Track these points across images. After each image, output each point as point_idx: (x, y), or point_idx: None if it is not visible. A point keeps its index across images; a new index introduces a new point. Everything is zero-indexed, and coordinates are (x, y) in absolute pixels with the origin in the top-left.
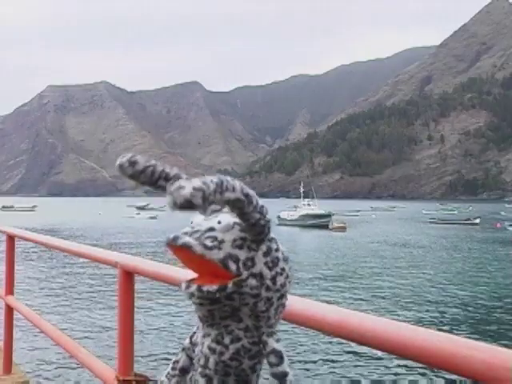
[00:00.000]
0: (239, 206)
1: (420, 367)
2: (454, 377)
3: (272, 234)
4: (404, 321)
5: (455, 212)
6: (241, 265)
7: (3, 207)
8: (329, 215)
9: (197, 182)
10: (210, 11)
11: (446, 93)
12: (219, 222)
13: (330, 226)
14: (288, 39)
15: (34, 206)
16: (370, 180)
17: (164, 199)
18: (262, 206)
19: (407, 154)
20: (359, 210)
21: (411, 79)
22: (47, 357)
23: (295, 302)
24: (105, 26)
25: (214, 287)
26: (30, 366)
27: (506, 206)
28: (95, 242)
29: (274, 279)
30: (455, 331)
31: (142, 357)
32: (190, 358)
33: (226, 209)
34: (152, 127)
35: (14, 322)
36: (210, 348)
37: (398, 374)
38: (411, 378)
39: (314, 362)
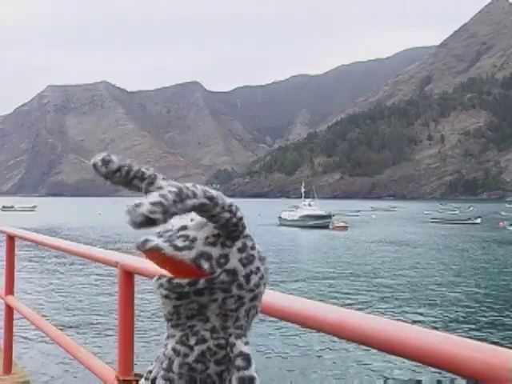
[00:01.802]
0: (205, 210)
1: (420, 367)
2: (454, 377)
3: (247, 231)
4: (405, 321)
5: (456, 212)
6: (214, 262)
7: (3, 207)
8: (329, 216)
9: (154, 197)
10: (209, 11)
11: (446, 93)
12: (192, 220)
13: (331, 227)
14: (288, 39)
15: (34, 206)
16: (369, 180)
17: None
18: (231, 205)
19: (407, 154)
20: (359, 210)
21: (411, 79)
22: (47, 357)
23: (295, 302)
24: (105, 26)
25: (184, 281)
26: (30, 366)
27: (507, 205)
28: (95, 242)
29: (247, 277)
30: (455, 331)
31: (142, 357)
32: None
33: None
34: (152, 127)
35: (14, 322)
36: (174, 349)
37: (398, 374)
38: (411, 378)
39: (316, 362)
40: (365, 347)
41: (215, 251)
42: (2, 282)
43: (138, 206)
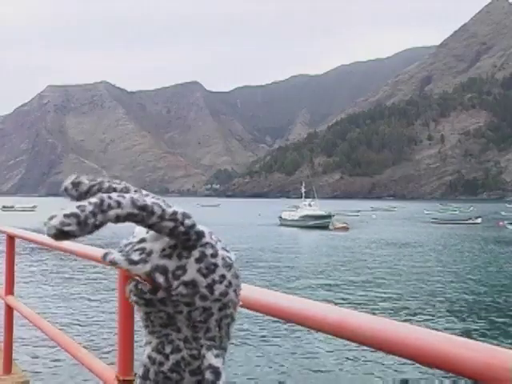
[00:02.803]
0: (136, 220)
1: (420, 367)
2: (454, 377)
3: (208, 239)
4: (405, 321)
5: (457, 212)
6: (170, 275)
7: (4, 207)
8: (329, 216)
9: (70, 208)
10: (209, 11)
11: (446, 93)
12: (147, 232)
13: (331, 227)
14: (288, 39)
15: (34, 206)
16: (370, 180)
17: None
18: (174, 213)
19: (407, 154)
20: (359, 210)
21: (411, 79)
22: (47, 357)
23: (295, 302)
24: (105, 26)
25: (146, 287)
26: (30, 366)
27: (507, 205)
28: (95, 242)
29: (210, 287)
30: (456, 331)
31: (142, 357)
32: None
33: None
34: (152, 127)
35: (14, 322)
36: (149, 357)
37: (399, 374)
38: (411, 378)
39: (319, 364)
40: (365, 347)
41: (171, 264)
42: (2, 281)
43: (51, 218)
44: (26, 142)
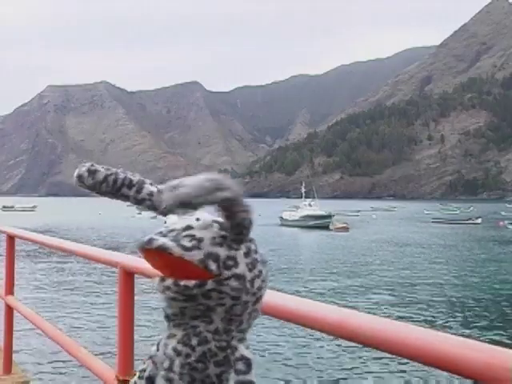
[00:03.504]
0: (229, 206)
1: (420, 367)
2: (454, 377)
3: (251, 235)
4: (405, 321)
5: (457, 212)
6: (221, 264)
7: (4, 207)
8: (329, 216)
9: (191, 181)
10: (209, 11)
11: (446, 93)
12: (198, 219)
13: (331, 227)
14: (288, 39)
15: (34, 206)
16: (370, 180)
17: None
18: (249, 206)
19: (407, 154)
20: (360, 210)
21: (411, 79)
22: (47, 357)
23: (296, 302)
24: (105, 26)
25: (192, 282)
26: (30, 366)
27: (507, 205)
28: (95, 242)
29: (252, 281)
30: (456, 331)
31: (142, 357)
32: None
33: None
34: (152, 127)
35: (14, 322)
36: (175, 350)
37: (399, 375)
38: (411, 378)
39: (316, 362)
40: (365, 347)
41: (222, 252)
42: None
43: (175, 187)
44: (26, 142)
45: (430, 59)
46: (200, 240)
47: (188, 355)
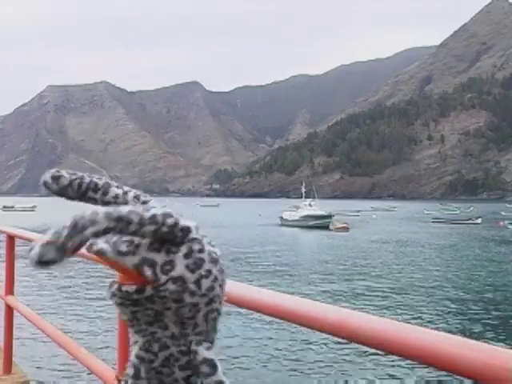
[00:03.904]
0: (119, 231)
1: (420, 367)
2: (454, 377)
3: (195, 235)
4: (405, 321)
5: (457, 212)
6: (158, 269)
7: (4, 207)
8: (330, 216)
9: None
10: (209, 11)
11: (446, 93)
12: None
13: (331, 227)
14: (288, 39)
15: (34, 206)
16: (370, 180)
17: (169, 199)
18: (153, 216)
19: (407, 154)
20: (360, 210)
21: (411, 79)
22: (47, 357)
23: (296, 302)
24: (105, 25)
25: (132, 288)
26: (30, 366)
27: (507, 205)
28: None
29: (197, 282)
30: (456, 331)
31: None
32: None
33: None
34: (152, 127)
35: (14, 322)
36: (138, 357)
37: (399, 375)
38: (411, 378)
39: (314, 362)
40: (365, 347)
41: (160, 258)
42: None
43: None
44: (26, 142)
45: (430, 59)
46: (137, 246)
47: (151, 361)
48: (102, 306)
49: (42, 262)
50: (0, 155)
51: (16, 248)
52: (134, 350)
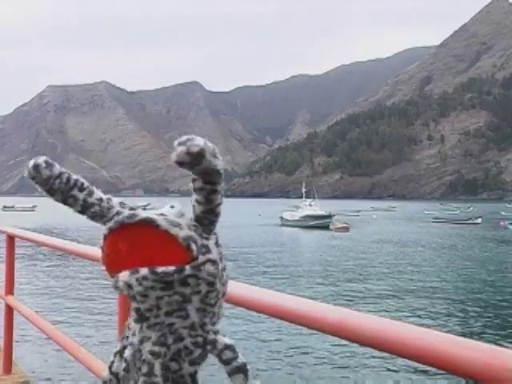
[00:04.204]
0: (215, 181)
1: (420, 367)
2: (454, 377)
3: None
4: (405, 321)
5: (457, 212)
6: (198, 249)
7: (4, 207)
8: (330, 216)
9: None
10: (210, 11)
11: (446, 93)
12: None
13: (331, 227)
14: (288, 39)
15: (34, 206)
16: (370, 180)
17: (169, 199)
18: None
19: (407, 154)
20: (360, 210)
21: (411, 79)
22: (47, 357)
23: (296, 302)
24: (105, 25)
25: (170, 268)
26: (30, 366)
27: (507, 205)
28: (95, 242)
29: (223, 271)
30: (456, 331)
31: None
32: None
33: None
34: (152, 127)
35: (14, 322)
36: (152, 353)
37: (399, 375)
38: (411, 378)
39: (318, 363)
40: (365, 347)
41: (198, 238)
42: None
43: (190, 139)
44: (26, 142)
45: (430, 59)
46: (178, 223)
47: (165, 355)
48: (102, 305)
49: (198, 156)
50: (0, 155)
51: (16, 248)
52: (147, 347)
